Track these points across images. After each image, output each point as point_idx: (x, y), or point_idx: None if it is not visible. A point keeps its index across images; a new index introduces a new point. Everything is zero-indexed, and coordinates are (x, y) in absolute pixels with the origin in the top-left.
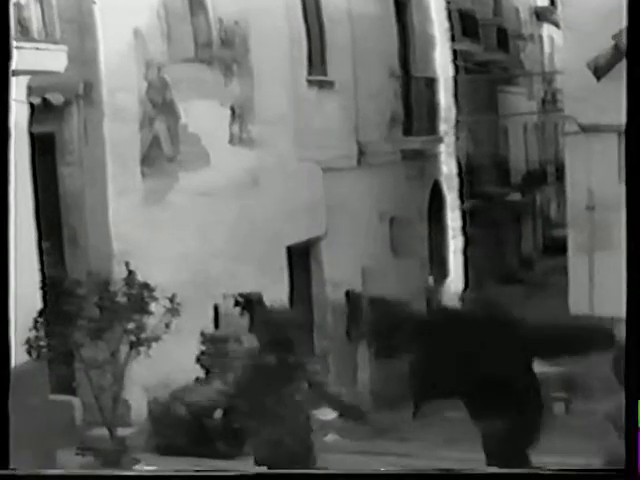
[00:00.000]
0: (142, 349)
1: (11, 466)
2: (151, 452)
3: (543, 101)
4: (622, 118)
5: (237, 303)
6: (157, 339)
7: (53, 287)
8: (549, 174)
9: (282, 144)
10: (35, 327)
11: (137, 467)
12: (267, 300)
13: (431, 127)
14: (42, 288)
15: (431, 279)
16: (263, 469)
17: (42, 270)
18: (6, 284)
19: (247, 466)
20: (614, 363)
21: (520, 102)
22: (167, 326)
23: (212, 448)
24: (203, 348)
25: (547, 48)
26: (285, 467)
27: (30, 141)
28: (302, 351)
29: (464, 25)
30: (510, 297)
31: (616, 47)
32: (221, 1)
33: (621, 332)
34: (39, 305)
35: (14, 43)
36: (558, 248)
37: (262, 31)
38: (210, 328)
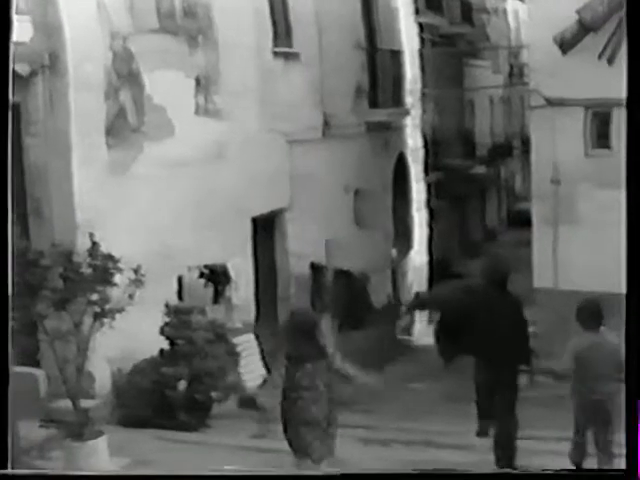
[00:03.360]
0: (106, 320)
1: None
2: (115, 424)
3: (509, 74)
4: (588, 92)
5: (202, 275)
6: (121, 310)
7: (17, 258)
8: (514, 147)
9: (247, 115)
10: None
11: (101, 439)
12: (232, 271)
13: (397, 99)
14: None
15: (395, 251)
16: (263, 469)
17: None
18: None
19: (208, 437)
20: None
21: (486, 75)
22: (131, 297)
23: (175, 420)
24: (167, 319)
25: (512, 22)
26: None
27: None
28: None
29: None
30: (474, 270)
31: (580, 21)
32: None
33: None
34: None
35: None
36: (522, 221)
37: (224, 1)
38: (174, 299)
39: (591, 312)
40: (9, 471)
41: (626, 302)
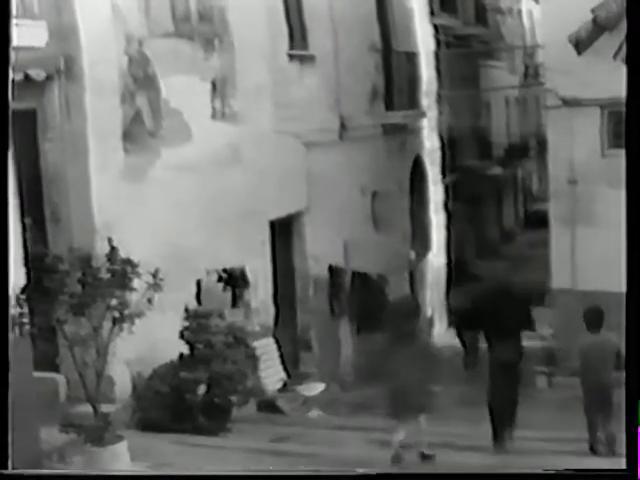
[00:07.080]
0: (125, 325)
1: None
2: (134, 428)
3: (525, 75)
4: (604, 92)
5: (220, 278)
6: (140, 315)
7: (35, 263)
8: (531, 148)
9: (264, 119)
10: (18, 304)
11: (121, 443)
12: (250, 275)
13: (412, 101)
14: (25, 265)
15: (413, 253)
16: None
17: (24, 246)
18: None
19: (228, 441)
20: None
21: (502, 76)
22: (150, 302)
23: (195, 424)
24: (186, 324)
25: (527, 22)
26: None
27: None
28: None
29: None
30: (492, 271)
31: (595, 21)
32: None
33: None
34: (22, 282)
35: None
36: (540, 222)
37: (239, 5)
38: (193, 303)
39: (593, 316)
40: (9, 471)
41: (626, 302)
